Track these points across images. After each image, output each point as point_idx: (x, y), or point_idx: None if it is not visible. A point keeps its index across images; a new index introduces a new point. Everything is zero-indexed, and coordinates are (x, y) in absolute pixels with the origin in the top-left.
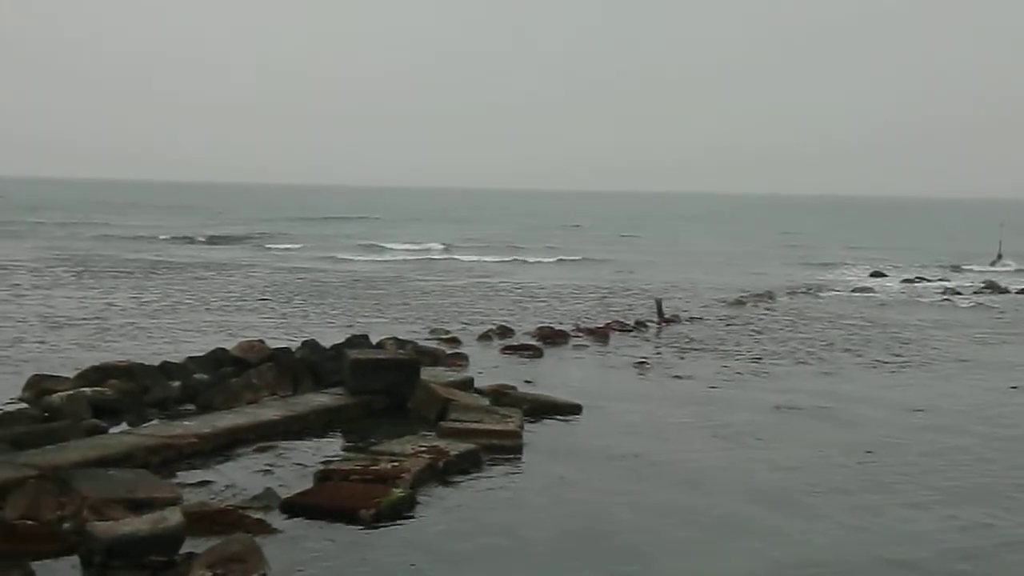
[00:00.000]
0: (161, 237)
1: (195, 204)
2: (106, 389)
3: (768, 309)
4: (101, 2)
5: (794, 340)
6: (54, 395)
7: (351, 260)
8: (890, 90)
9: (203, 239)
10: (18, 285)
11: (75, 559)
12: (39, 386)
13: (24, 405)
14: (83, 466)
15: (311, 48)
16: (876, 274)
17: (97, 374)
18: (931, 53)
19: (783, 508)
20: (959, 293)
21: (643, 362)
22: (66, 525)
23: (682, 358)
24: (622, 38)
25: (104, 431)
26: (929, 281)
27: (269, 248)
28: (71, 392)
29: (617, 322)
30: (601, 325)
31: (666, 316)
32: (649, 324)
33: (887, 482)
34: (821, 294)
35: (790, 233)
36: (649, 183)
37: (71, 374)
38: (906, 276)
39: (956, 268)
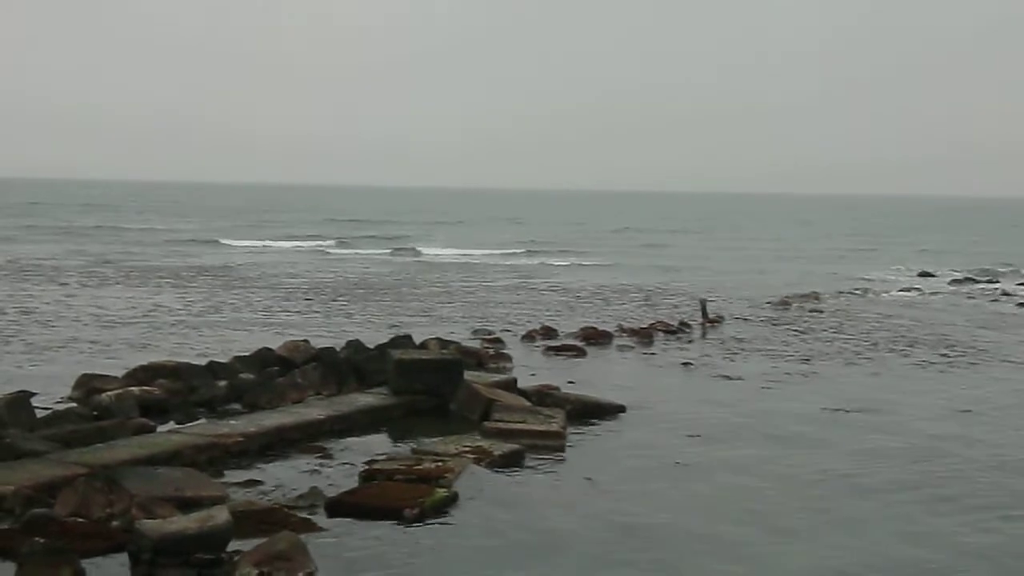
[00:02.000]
0: (207, 239)
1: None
2: (154, 388)
3: (814, 310)
4: None
5: (840, 340)
6: (103, 394)
7: (402, 261)
8: None
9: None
10: (67, 284)
11: (124, 556)
12: (88, 385)
13: (74, 404)
14: (132, 464)
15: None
16: (925, 274)
17: (145, 373)
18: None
19: (832, 514)
20: (1009, 294)
21: (688, 363)
22: (115, 522)
23: (727, 359)
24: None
25: (152, 430)
26: (978, 282)
27: (325, 250)
28: (120, 391)
29: (661, 323)
30: (645, 326)
31: (711, 317)
32: (693, 325)
33: (940, 485)
34: (868, 294)
35: (856, 235)
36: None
37: (120, 373)
38: (955, 276)
39: (1013, 269)
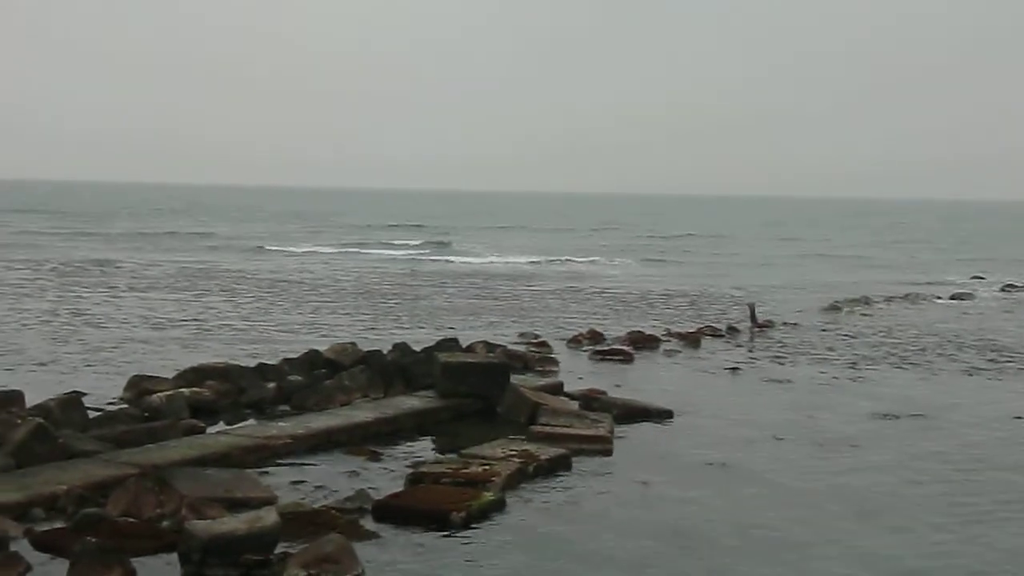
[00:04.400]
0: (255, 245)
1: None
2: (204, 390)
3: (864, 315)
4: None
5: (889, 345)
6: (154, 395)
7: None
8: None
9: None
10: (115, 287)
11: (173, 556)
12: (140, 386)
13: (125, 405)
14: (182, 465)
15: None
16: (976, 279)
17: (195, 375)
18: None
19: (878, 521)
20: None
21: (736, 367)
22: (165, 522)
23: (776, 364)
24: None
25: (202, 431)
26: None
27: (374, 254)
28: (170, 392)
29: (709, 327)
30: (693, 330)
31: (760, 321)
32: (742, 329)
33: (991, 494)
34: (919, 300)
35: (905, 240)
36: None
37: (170, 375)
38: (1007, 282)
39: None
